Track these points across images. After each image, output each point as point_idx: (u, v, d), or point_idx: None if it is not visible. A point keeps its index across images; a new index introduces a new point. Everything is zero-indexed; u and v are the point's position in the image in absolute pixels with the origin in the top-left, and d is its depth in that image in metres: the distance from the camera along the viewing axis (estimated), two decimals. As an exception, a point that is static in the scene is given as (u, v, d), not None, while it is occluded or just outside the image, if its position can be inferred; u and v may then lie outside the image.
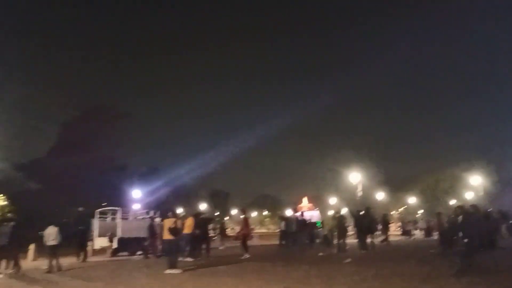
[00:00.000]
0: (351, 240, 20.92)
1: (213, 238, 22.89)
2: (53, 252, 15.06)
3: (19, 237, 14.90)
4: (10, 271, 13.95)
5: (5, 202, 50.46)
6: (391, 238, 25.31)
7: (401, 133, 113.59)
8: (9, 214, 21.34)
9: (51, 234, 15.50)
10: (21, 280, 12.53)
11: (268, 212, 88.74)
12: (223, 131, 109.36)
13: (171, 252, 13.06)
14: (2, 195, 51.26)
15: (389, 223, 25.90)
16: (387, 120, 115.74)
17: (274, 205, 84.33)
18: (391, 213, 50.21)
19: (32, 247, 19.92)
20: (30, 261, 19.10)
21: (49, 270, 14.18)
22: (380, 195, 60.61)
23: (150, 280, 11.31)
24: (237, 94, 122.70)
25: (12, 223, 15.23)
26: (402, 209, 69.82)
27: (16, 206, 44.32)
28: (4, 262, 14.20)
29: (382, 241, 23.27)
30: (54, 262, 14.61)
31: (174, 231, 13.04)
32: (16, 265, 14.32)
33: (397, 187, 67.75)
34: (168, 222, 13.33)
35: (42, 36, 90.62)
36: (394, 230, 36.68)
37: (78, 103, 57.60)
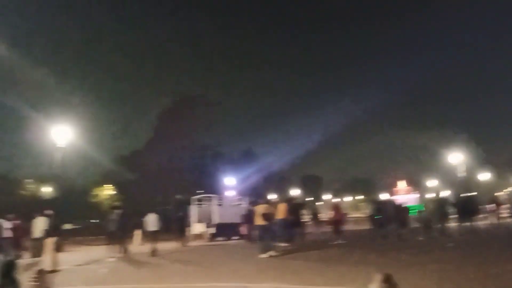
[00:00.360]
0: (452, 223, 19.77)
1: (307, 223, 22.82)
2: (154, 237, 16.16)
3: (125, 223, 16.06)
4: (121, 254, 15.09)
5: (113, 192, 55.10)
6: (499, 221, 23.71)
7: (504, 113, 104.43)
8: (116, 203, 22.96)
9: (151, 221, 16.62)
10: (129, 263, 13.48)
11: (363, 196, 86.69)
12: (315, 116, 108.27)
13: (264, 237, 13.30)
14: (110, 185, 56.01)
15: (499, 205, 24.10)
16: (487, 100, 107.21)
17: (369, 189, 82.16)
18: (497, 194, 46.51)
19: (138, 232, 21.35)
20: (137, 245, 20.49)
21: (152, 254, 15.17)
22: (484, 176, 56.44)
23: (245, 263, 11.61)
24: (329, 78, 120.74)
25: (119, 211, 16.29)
26: (510, 189, 64.49)
27: (122, 195, 48.06)
28: (116, 247, 15.39)
29: (491, 224, 21.76)
30: (155, 246, 15.61)
31: (267, 216, 13.29)
32: (125, 249, 15.49)
33: (502, 167, 62.74)
34: (261, 208, 13.61)
35: (132, 34, 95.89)
36: (503, 212, 34.05)
37: (171, 94, 60.24)
